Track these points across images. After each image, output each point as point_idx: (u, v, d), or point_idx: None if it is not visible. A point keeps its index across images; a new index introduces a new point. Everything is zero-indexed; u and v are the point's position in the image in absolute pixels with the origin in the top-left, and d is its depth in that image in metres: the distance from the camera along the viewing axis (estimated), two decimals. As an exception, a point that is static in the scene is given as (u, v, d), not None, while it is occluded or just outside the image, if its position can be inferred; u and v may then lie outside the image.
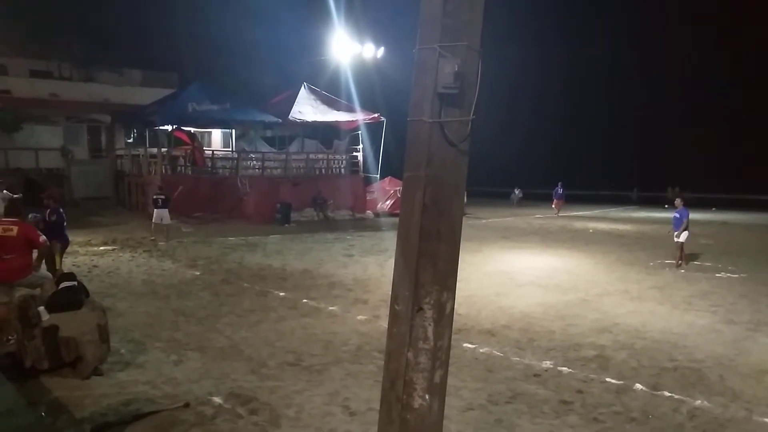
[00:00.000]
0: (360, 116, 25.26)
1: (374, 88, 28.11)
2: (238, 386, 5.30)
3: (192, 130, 23.59)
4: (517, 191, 37.03)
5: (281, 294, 9.31)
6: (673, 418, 4.85)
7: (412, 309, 2.60)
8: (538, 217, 28.06)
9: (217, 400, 4.97)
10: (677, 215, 13.14)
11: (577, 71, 55.60)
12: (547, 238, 18.82)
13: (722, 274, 11.95)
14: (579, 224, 24.50)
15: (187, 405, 4.78)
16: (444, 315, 2.63)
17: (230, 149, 25.31)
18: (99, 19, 28.79)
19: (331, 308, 8.41)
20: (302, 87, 25.05)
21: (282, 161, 24.74)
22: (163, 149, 22.30)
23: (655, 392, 5.38)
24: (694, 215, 14.09)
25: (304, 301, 8.84)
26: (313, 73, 27.92)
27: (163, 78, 30.57)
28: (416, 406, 2.54)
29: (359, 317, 7.91)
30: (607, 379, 5.70)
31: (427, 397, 2.57)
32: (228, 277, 10.66)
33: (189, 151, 22.97)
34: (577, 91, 55.80)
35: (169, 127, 22.16)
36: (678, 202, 13.35)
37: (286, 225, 20.19)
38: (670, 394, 5.33)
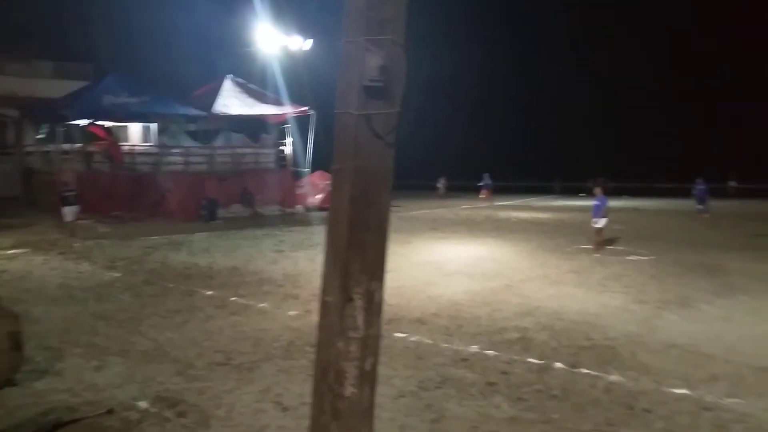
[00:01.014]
0: (288, 109, 24.91)
1: (302, 81, 27.76)
2: (164, 389, 5.14)
3: (109, 124, 22.38)
4: (441, 183, 37.86)
5: (208, 293, 9.07)
6: (591, 393, 5.17)
7: (342, 299, 2.64)
8: (465, 207, 28.83)
9: (143, 404, 4.80)
10: (597, 203, 13.92)
11: (502, 65, 57.49)
12: (474, 228, 19.39)
13: (633, 257, 12.80)
14: (503, 214, 25.40)
15: (110, 411, 4.59)
16: (373, 304, 2.68)
17: (151, 144, 24.25)
18: (5, 7, 26.68)
19: (261, 305, 8.30)
20: (226, 79, 24.36)
21: (207, 156, 24.00)
22: (77, 145, 21.03)
23: (574, 370, 5.71)
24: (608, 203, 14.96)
25: (233, 299, 8.67)
26: (237, 65, 27.20)
27: (77, 70, 28.74)
28: (348, 395, 2.58)
29: (290, 313, 7.86)
30: (530, 360, 5.99)
31: (358, 385, 2.61)
32: (150, 278, 10.26)
33: (105, 146, 21.79)
34: (504, 84, 57.79)
35: (83, 122, 20.92)
36: (597, 190, 14.14)
37: (213, 222, 19.63)
38: (587, 371, 5.68)
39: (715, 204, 24.31)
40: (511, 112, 59.00)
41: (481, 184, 29.97)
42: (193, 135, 25.17)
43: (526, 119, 58.39)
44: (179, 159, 23.06)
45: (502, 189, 35.53)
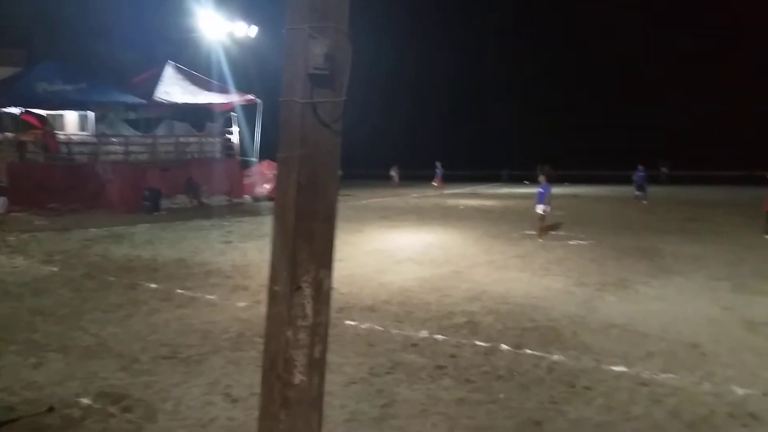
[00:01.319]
0: (234, 98, 24.38)
1: (249, 68, 27.15)
2: (108, 385, 4.99)
3: (43, 112, 21.27)
4: (395, 171, 38.09)
5: (153, 286, 8.83)
6: (535, 372, 5.37)
7: (291, 288, 2.63)
8: (415, 196, 29.11)
9: (85, 401, 4.65)
10: (541, 190, 14.35)
11: (452, 56, 58.08)
12: (423, 216, 19.62)
13: (574, 242, 13.29)
14: (451, 202, 25.81)
15: (51, 409, 4.43)
16: (322, 292, 2.69)
17: (88, 133, 23.21)
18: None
19: (208, 297, 8.15)
20: (168, 66, 23.56)
21: (148, 145, 23.21)
22: (9, 134, 19.89)
23: (519, 351, 5.91)
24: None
25: (179, 291, 8.47)
26: (179, 51, 26.27)
27: (8, 56, 26.93)
28: (297, 383, 2.59)
29: (239, 304, 7.76)
30: (477, 343, 6.16)
31: (307, 373, 2.62)
32: (91, 272, 9.88)
33: (40, 135, 20.71)
34: (453, 75, 58.48)
35: (15, 110, 19.78)
36: (542, 178, 14.57)
37: (156, 213, 19.06)
38: (531, 352, 5.88)
39: (649, 190, 25.43)
40: (461, 102, 59.93)
41: (437, 170, 30.53)
42: (133, 123, 24.26)
43: (475, 109, 59.41)
44: (119, 148, 22.22)
45: (452, 177, 36.04)
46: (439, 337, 6.38)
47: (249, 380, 4.97)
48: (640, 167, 25.86)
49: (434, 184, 30.64)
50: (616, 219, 18.60)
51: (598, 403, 4.71)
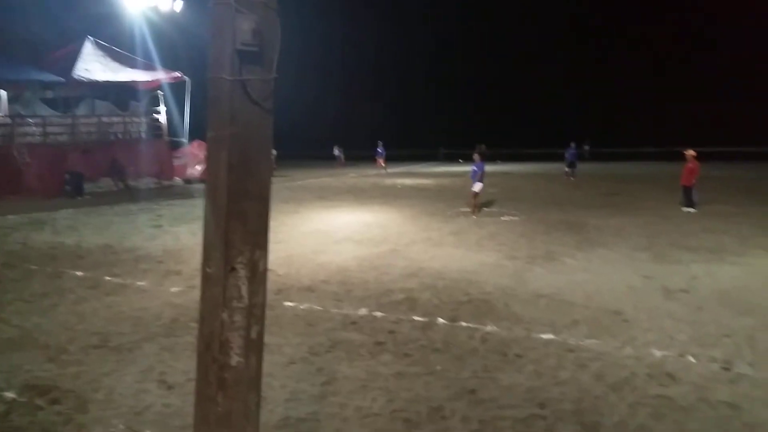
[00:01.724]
0: (160, 75, 23.30)
1: (176, 44, 25.99)
2: (33, 377, 4.76)
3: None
4: (338, 150, 37.97)
5: (79, 273, 8.43)
6: (469, 344, 5.56)
7: (225, 270, 2.59)
8: (353, 176, 29.09)
9: (10, 394, 4.43)
10: (474, 168, 14.70)
11: (382, 36, 57.85)
12: (361, 195, 19.66)
13: (506, 218, 13.74)
14: (389, 181, 25.98)
15: (-31, 407, 4.18)
16: (257, 273, 2.67)
17: (1, 114, 21.58)
18: None
19: (139, 283, 7.88)
20: (87, 41, 22.18)
21: (68, 126, 21.87)
22: None
23: (454, 324, 6.10)
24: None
25: (107, 278, 8.14)
26: (99, 26, 24.75)
27: None
28: (234, 364, 2.57)
29: (172, 289, 7.55)
30: (415, 318, 6.30)
31: (244, 354, 2.61)
32: (10, 260, 9.31)
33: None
34: (384, 55, 58.38)
35: None
36: (476, 156, 14.90)
37: (79, 197, 18.11)
38: (466, 324, 6.09)
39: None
40: (392, 81, 60.05)
41: (379, 150, 30.71)
42: (50, 103, 22.74)
43: (408, 88, 59.76)
44: (36, 130, 20.81)
45: (390, 157, 36.26)
46: (378, 314, 6.47)
47: (184, 366, 4.88)
48: (572, 144, 26.89)
49: (382, 164, 30.85)
50: (544, 195, 19.34)
51: (528, 369, 4.95)
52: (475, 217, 13.94)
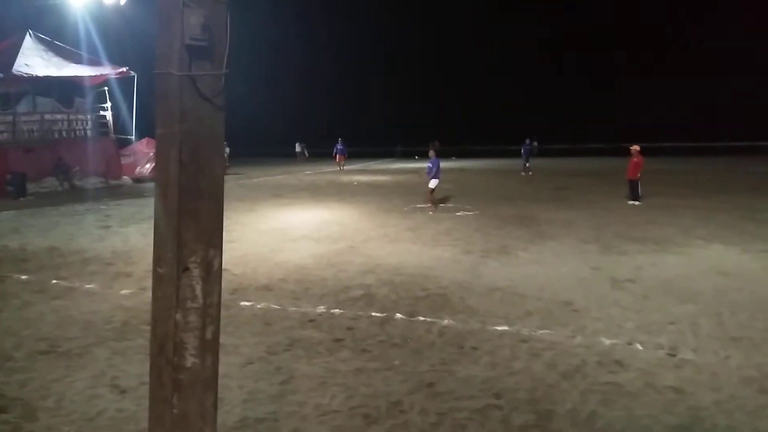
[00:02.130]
0: (106, 70, 22.50)
1: (123, 38, 25.10)
2: (-25, 387, 4.54)
3: None
4: (300, 147, 37.66)
5: (23, 277, 8.07)
6: (427, 338, 5.63)
7: (178, 270, 2.54)
8: (308, 173, 28.90)
9: (-52, 407, 4.21)
10: (430, 165, 14.89)
11: (337, 33, 57.74)
12: (317, 192, 19.56)
13: (461, 213, 13.94)
14: (345, 178, 25.94)
15: None
16: (212, 272, 2.63)
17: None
18: None
19: (88, 286, 7.61)
20: (27, 35, 21.19)
21: (8, 124, 20.85)
22: None
23: (412, 318, 6.16)
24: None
25: (54, 282, 7.82)
26: (40, 19, 23.67)
27: None
28: (189, 365, 2.53)
29: (123, 292, 7.33)
30: (373, 314, 6.33)
31: (200, 355, 2.57)
32: (-54, 266, 8.82)
33: None
34: (348, 55, 58.40)
35: None
36: (431, 153, 15.08)
37: (22, 198, 17.32)
38: (424, 319, 6.15)
39: (519, 162, 27.10)
40: (357, 81, 60.23)
41: (339, 147, 30.52)
42: (-12, 100, 21.63)
43: (371, 88, 60.04)
44: (-28, 128, 19.76)
45: (349, 154, 36.21)
46: (337, 311, 6.47)
47: (137, 370, 4.76)
48: (527, 141, 27.51)
49: (341, 161, 30.58)
50: (497, 190, 19.72)
51: (484, 361, 5.05)
52: (431, 213, 14.09)
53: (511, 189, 20.15)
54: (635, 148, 15.70)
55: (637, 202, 15.25)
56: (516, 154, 28.34)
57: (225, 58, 2.52)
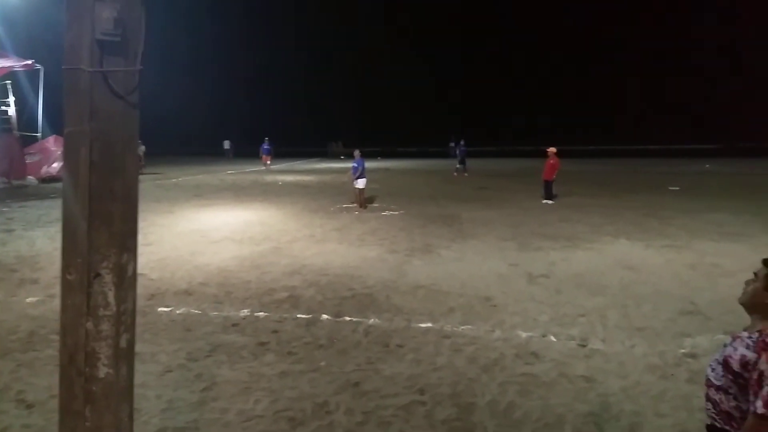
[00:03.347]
0: (9, 62, 20.84)
1: (32, 28, 23.37)
2: None
3: None
4: (228, 144, 36.54)
5: None
6: (353, 337, 5.65)
7: (89, 276, 2.42)
8: (231, 172, 28.15)
9: None
10: (355, 165, 14.95)
11: (257, 32, 56.76)
12: (240, 193, 19.11)
13: (387, 213, 14.09)
14: (270, 178, 25.50)
15: None
16: (126, 278, 2.52)
17: None
18: None
19: (-13, 294, 7.04)
20: None
21: None
22: None
23: (338, 319, 6.17)
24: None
25: (-53, 291, 7.18)
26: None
27: None
28: (102, 376, 2.41)
29: (29, 300, 6.83)
30: (299, 316, 6.28)
31: (113, 364, 2.45)
32: None
33: None
34: (261, 54, 57.52)
35: None
36: (356, 153, 15.13)
37: None
38: (350, 318, 6.18)
39: (447, 162, 27.87)
40: (287, 82, 59.56)
41: (265, 147, 29.79)
42: None
43: (303, 90, 59.60)
44: None
45: (277, 154, 35.59)
46: (261, 314, 6.36)
47: (46, 382, 4.47)
48: (462, 142, 28.23)
49: (267, 162, 29.76)
50: (421, 190, 20.10)
51: (409, 358, 5.14)
52: (357, 213, 14.14)
53: (435, 189, 20.60)
54: (552, 150, 16.50)
55: (550, 201, 16.03)
56: (439, 155, 28.98)
57: (139, 54, 2.42)
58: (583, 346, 5.45)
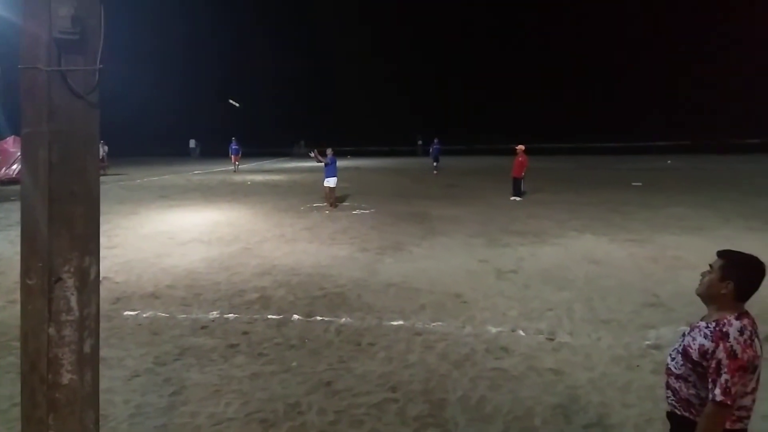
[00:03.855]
0: (-41, 61, 20.05)
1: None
2: None
3: None
4: (193, 143, 35.82)
5: None
6: (325, 337, 5.64)
7: (50, 280, 2.36)
8: (198, 173, 27.73)
9: None
10: (327, 163, 14.90)
11: (224, 31, 56.19)
12: (208, 193, 18.84)
13: (357, 212, 14.08)
14: (238, 178, 25.20)
15: None
16: (88, 281, 2.46)
17: None
18: None
19: (-58, 302, 6.78)
20: None
21: None
22: None
23: (309, 319, 6.14)
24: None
25: None
26: None
27: None
28: (65, 382, 2.35)
29: (-13, 306, 6.62)
30: (269, 316, 6.23)
31: (77, 370, 2.40)
32: None
33: None
34: (242, 56, 57.06)
35: None
36: (328, 151, 15.08)
37: None
38: (321, 318, 6.16)
39: (416, 161, 28.02)
40: (254, 81, 59.01)
41: (233, 146, 29.29)
42: None
43: (270, 89, 59.13)
44: None
45: (245, 153, 35.14)
46: (231, 315, 6.28)
47: (7, 391, 4.33)
48: (436, 140, 28.37)
49: (236, 163, 29.16)
50: (392, 188, 20.15)
51: (380, 356, 5.16)
52: (327, 212, 14.10)
53: (404, 187, 20.67)
54: (520, 147, 16.73)
55: (518, 198, 16.27)
56: (408, 154, 29.10)
57: (99, 53, 2.37)
58: (551, 339, 5.55)
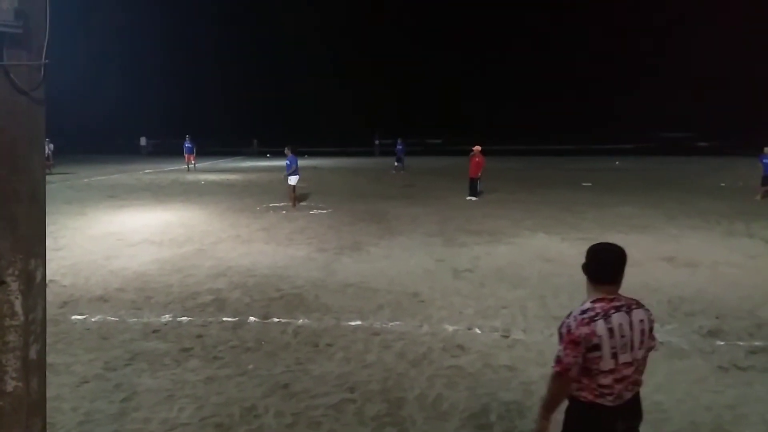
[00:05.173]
0: None
1: None
2: None
3: None
4: (144, 141, 34.66)
5: None
6: (282, 339, 5.58)
7: (-8, 284, 2.26)
8: (148, 171, 26.99)
9: None
10: (288, 162, 14.80)
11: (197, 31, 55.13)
12: (159, 193, 18.36)
13: (315, 211, 14.01)
14: (191, 177, 24.67)
15: None
16: (34, 285, 2.37)
17: None
18: None
19: None
20: None
21: None
22: None
23: (266, 321, 6.07)
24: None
25: None
26: None
27: None
28: (10, 390, 2.26)
29: None
30: (224, 319, 6.12)
31: (23, 377, 2.31)
32: None
33: None
34: (194, 50, 55.81)
35: None
36: (287, 150, 14.95)
37: None
38: (278, 320, 6.09)
39: (369, 161, 28.09)
40: (206, 77, 57.89)
41: (187, 145, 28.44)
42: None
43: (224, 85, 58.13)
44: None
45: (200, 152, 34.36)
46: (184, 319, 6.15)
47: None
48: (399, 141, 28.45)
49: (191, 161, 28.13)
50: (350, 188, 20.14)
51: (338, 357, 5.15)
52: (284, 212, 13.96)
53: (362, 186, 20.69)
54: (477, 148, 16.99)
55: (475, 198, 16.53)
56: (365, 154, 29.13)
57: (44, 48, 2.29)
58: (506, 336, 5.67)
